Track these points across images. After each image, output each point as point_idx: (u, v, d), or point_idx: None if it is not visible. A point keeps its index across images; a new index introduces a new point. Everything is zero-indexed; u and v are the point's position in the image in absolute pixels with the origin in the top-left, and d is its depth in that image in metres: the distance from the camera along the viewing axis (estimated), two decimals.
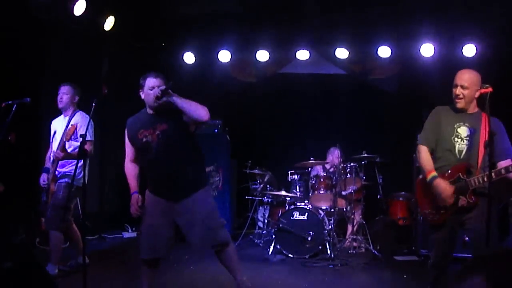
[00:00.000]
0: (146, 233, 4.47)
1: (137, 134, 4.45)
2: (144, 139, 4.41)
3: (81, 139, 5.54)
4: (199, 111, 4.32)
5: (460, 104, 4.32)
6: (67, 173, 5.73)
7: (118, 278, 5.88)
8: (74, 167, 5.61)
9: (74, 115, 5.85)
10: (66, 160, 5.71)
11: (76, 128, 5.64)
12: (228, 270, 4.59)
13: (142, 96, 4.49)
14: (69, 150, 5.69)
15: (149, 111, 4.52)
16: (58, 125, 5.90)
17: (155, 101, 4.35)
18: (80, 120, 5.79)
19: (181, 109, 4.31)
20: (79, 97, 5.94)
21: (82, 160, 5.60)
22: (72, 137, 5.65)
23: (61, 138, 5.66)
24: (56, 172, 5.71)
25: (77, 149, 5.60)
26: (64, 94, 5.87)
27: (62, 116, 5.96)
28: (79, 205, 6.35)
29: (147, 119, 4.50)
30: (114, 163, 9.40)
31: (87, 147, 5.59)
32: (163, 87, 4.33)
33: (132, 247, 7.86)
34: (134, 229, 8.76)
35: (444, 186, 4.19)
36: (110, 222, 8.99)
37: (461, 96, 4.30)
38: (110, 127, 9.13)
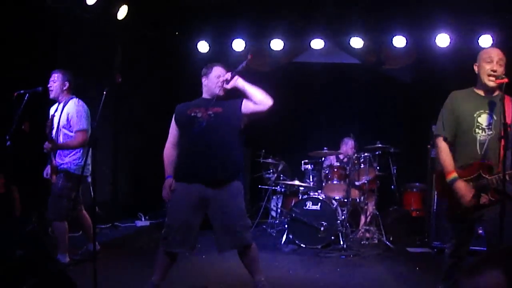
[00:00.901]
0: (179, 227, 4.35)
1: (187, 111, 4.48)
2: (192, 114, 4.42)
3: (74, 127, 5.55)
4: (264, 97, 4.40)
5: (494, 83, 3.96)
6: (67, 164, 5.58)
7: (130, 267, 5.90)
8: (74, 157, 5.60)
9: (68, 102, 5.65)
10: (65, 150, 5.59)
11: (52, 121, 5.52)
12: (247, 270, 4.55)
13: (205, 83, 4.58)
14: (64, 140, 5.60)
15: (206, 96, 4.59)
16: (55, 113, 5.73)
17: (223, 85, 4.45)
18: (72, 109, 5.59)
19: (248, 92, 4.41)
20: (71, 83, 5.71)
21: (83, 149, 5.59)
22: (67, 125, 5.57)
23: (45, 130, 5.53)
24: (57, 163, 5.58)
25: (70, 139, 5.58)
26: (53, 82, 5.66)
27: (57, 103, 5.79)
28: (92, 194, 6.36)
29: (202, 101, 4.56)
30: (127, 152, 9.44)
31: (82, 136, 5.53)
32: (231, 73, 4.45)
33: (145, 235, 7.88)
34: (147, 217, 8.78)
35: (463, 192, 3.93)
36: (123, 210, 8.99)
37: (497, 73, 3.93)
38: (123, 115, 9.16)
